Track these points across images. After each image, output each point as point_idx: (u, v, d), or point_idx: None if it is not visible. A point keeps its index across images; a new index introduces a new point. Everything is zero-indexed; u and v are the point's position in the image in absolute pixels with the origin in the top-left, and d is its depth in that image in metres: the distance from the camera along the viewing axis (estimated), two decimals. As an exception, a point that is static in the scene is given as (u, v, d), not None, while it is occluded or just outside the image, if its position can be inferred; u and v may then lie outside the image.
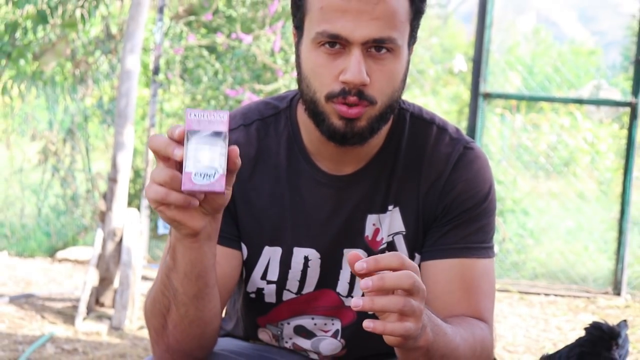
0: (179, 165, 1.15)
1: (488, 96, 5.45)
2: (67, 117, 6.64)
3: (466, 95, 8.03)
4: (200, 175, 1.13)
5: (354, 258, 1.16)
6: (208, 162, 1.13)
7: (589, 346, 1.89)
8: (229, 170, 1.15)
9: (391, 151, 1.48)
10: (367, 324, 1.15)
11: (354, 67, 1.32)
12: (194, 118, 1.14)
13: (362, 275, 1.15)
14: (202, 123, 1.14)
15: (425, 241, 1.47)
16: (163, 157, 1.15)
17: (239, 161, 1.16)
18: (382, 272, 1.15)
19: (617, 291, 5.61)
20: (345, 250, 1.48)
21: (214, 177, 1.14)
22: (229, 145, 1.15)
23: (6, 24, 6.43)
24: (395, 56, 1.36)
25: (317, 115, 1.39)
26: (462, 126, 6.74)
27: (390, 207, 1.47)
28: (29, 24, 6.36)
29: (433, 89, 9.85)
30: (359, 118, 1.37)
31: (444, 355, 1.28)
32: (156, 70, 5.99)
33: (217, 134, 1.14)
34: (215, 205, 1.21)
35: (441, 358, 1.28)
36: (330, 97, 1.36)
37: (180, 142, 1.14)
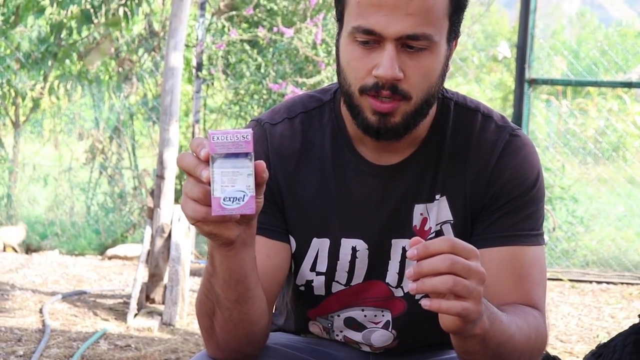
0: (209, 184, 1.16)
1: (533, 82, 5.39)
2: (112, 115, 6.73)
3: (511, 82, 7.94)
4: (230, 199, 1.13)
5: (415, 242, 1.18)
6: (236, 186, 1.13)
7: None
8: (257, 184, 1.16)
9: (437, 140, 1.48)
10: (425, 302, 1.17)
11: (386, 63, 1.33)
12: (218, 141, 1.13)
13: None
14: (226, 146, 1.13)
15: (473, 230, 1.47)
16: (193, 175, 1.17)
17: (266, 174, 1.17)
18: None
19: (671, 277, 5.51)
20: (394, 241, 1.48)
21: (243, 200, 1.14)
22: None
23: (51, 24, 6.53)
24: (431, 52, 1.35)
25: (353, 109, 1.40)
26: (508, 113, 6.67)
27: (437, 196, 1.47)
28: (73, 23, 6.45)
29: (477, 76, 9.76)
30: (393, 113, 1.37)
31: (500, 343, 1.28)
32: (199, 67, 6.03)
33: (242, 154, 1.13)
34: (249, 216, 1.22)
35: (497, 346, 1.28)
36: (364, 91, 1.37)
37: (207, 162, 1.14)
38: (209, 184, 1.14)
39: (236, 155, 1.13)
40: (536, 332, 1.38)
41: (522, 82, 5.33)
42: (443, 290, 1.16)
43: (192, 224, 1.20)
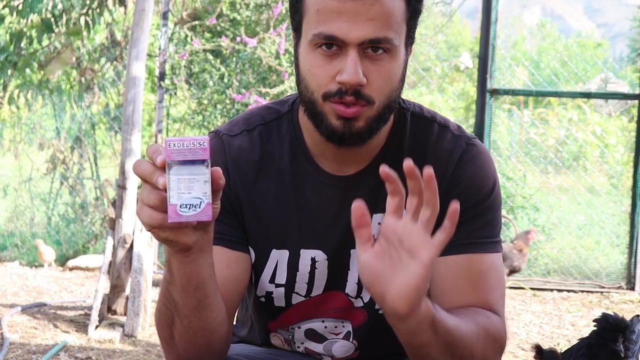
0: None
1: (495, 92, 5.44)
2: (74, 125, 6.67)
3: (473, 92, 8.01)
4: (186, 206, 1.13)
5: (383, 170, 1.18)
6: (192, 193, 1.13)
7: (595, 338, 1.89)
8: (214, 191, 1.16)
9: (393, 150, 1.49)
10: (383, 168, 1.18)
11: (350, 68, 1.33)
12: (174, 148, 1.13)
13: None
14: (183, 152, 1.13)
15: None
16: (149, 182, 1.16)
17: (222, 181, 1.17)
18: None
19: (630, 285, 5.59)
20: (353, 251, 1.48)
21: (199, 207, 1.14)
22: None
23: (11, 33, 6.46)
24: (392, 56, 1.36)
25: (315, 116, 1.40)
26: (470, 123, 6.72)
27: (395, 207, 1.47)
28: (33, 33, 6.39)
29: (440, 86, 9.84)
30: (357, 118, 1.37)
31: (449, 330, 1.27)
32: (162, 76, 6.01)
33: (199, 161, 1.13)
34: (205, 223, 1.21)
35: (446, 333, 1.26)
36: (327, 97, 1.37)
37: (163, 169, 1.14)
38: (165, 191, 1.14)
39: (192, 162, 1.13)
40: (486, 330, 1.37)
41: (484, 92, 5.38)
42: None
43: (149, 230, 1.19)
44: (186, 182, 1.13)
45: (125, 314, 4.12)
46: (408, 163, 1.17)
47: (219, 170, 1.16)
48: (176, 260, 1.26)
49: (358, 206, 1.20)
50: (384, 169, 1.18)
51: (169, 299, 1.32)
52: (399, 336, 1.28)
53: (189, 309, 1.31)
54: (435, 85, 9.50)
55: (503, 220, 4.65)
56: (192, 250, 1.24)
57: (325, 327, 1.55)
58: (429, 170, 1.17)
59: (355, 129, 1.38)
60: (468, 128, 6.57)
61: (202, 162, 1.13)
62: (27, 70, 6.65)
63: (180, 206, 1.13)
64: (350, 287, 1.51)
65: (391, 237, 1.20)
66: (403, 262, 1.19)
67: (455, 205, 1.17)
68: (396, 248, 1.19)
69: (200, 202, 1.14)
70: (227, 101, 5.91)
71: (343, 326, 1.55)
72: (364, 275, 1.21)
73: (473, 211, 1.46)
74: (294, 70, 1.44)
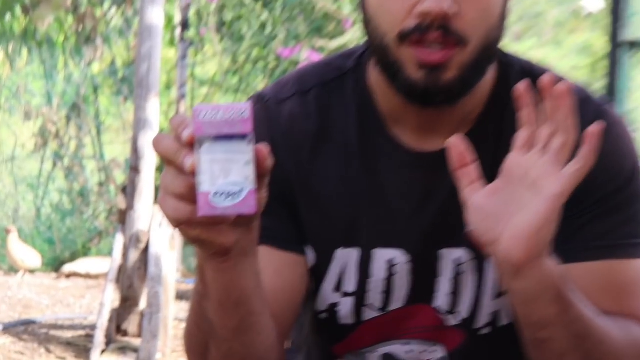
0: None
1: (633, 45, 5.38)
2: (70, 89, 6.76)
3: (602, 45, 7.90)
4: (222, 195, 1.12)
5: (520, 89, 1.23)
6: (230, 177, 1.12)
7: None
8: (259, 176, 1.14)
9: (496, 117, 1.48)
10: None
11: None
12: (206, 119, 1.12)
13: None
14: (217, 125, 1.12)
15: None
16: (174, 164, 1.15)
17: (270, 161, 1.16)
18: None
19: None
20: (442, 252, 1.49)
21: (240, 195, 1.12)
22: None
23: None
24: None
25: (389, 67, 1.39)
26: (598, 86, 6.66)
27: (498, 190, 1.47)
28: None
29: (555, 37, 9.74)
30: (446, 65, 1.36)
31: (580, 318, 1.29)
32: (185, 25, 6.05)
33: (238, 136, 1.13)
34: (248, 217, 1.19)
35: (577, 320, 1.29)
36: (404, 37, 1.36)
37: (191, 146, 1.12)
38: (195, 176, 1.13)
39: (230, 138, 1.12)
40: (638, 342, 1.39)
41: (617, 44, 5.32)
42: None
43: (175, 228, 1.19)
44: (222, 163, 1.12)
45: (139, 336, 4.17)
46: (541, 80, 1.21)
47: (265, 148, 1.15)
48: (211, 268, 1.25)
49: (456, 142, 1.24)
50: (522, 87, 1.23)
51: (201, 318, 1.33)
52: (514, 307, 1.29)
53: (229, 332, 1.32)
54: (550, 37, 9.41)
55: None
56: (231, 254, 1.23)
57: (410, 351, 1.55)
58: (563, 86, 1.19)
59: (444, 80, 1.37)
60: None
61: (243, 137, 1.13)
62: (7, 16, 6.74)
63: (215, 195, 1.12)
64: (441, 299, 1.51)
65: (514, 172, 1.24)
66: (525, 199, 1.22)
67: (596, 127, 1.20)
68: (518, 184, 1.23)
69: (241, 190, 1.13)
70: (271, 57, 5.95)
71: (434, 351, 1.55)
72: (476, 221, 1.25)
73: (607, 203, 1.45)
74: (359, 9, 1.44)
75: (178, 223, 1.17)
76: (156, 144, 1.16)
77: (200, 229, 1.18)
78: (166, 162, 1.16)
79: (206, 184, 1.12)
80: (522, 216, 1.22)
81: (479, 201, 1.25)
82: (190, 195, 1.14)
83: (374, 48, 1.42)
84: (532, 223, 1.22)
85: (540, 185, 1.22)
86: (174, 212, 1.16)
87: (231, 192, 1.12)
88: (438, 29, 1.34)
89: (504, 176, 1.25)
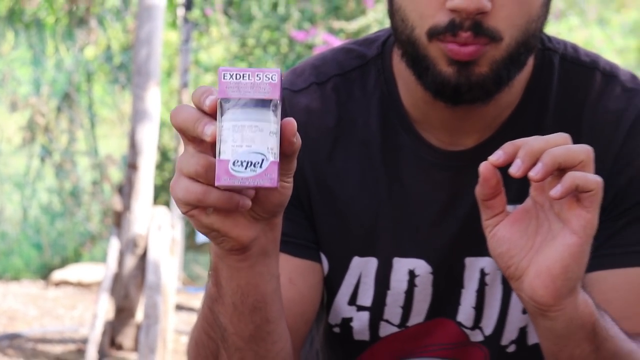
0: (215, 149, 1.13)
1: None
2: (61, 76, 6.77)
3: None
4: (242, 164, 1.12)
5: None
6: (253, 146, 1.12)
7: None
8: (284, 155, 1.14)
9: (532, 112, 1.49)
10: (555, 190, 1.18)
11: None
12: (232, 81, 1.13)
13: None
14: (243, 88, 1.13)
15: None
16: (193, 138, 1.15)
17: (297, 140, 1.15)
18: None
19: None
20: (468, 260, 1.49)
21: (261, 165, 1.12)
22: (282, 118, 1.13)
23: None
24: None
25: (417, 63, 1.40)
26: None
27: (532, 194, 1.48)
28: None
29: (600, 16, 9.72)
30: (477, 61, 1.37)
31: (616, 351, 1.30)
32: (189, 4, 6.07)
33: (264, 102, 1.13)
34: (270, 206, 1.20)
35: (614, 355, 1.30)
36: (434, 34, 1.37)
37: (213, 115, 1.13)
38: (214, 148, 1.13)
39: (255, 104, 1.13)
40: None
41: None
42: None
43: (185, 213, 1.18)
44: (245, 130, 1.12)
45: (135, 349, 4.19)
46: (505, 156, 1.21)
47: (293, 122, 1.14)
48: (227, 267, 1.25)
49: (487, 171, 1.22)
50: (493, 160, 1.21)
51: (212, 323, 1.33)
52: (540, 340, 1.30)
53: (243, 339, 1.32)
54: (594, 15, 9.40)
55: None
56: (249, 253, 1.23)
57: (431, 370, 1.57)
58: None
59: (475, 77, 1.37)
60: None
61: (269, 103, 1.13)
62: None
63: (234, 163, 1.12)
64: (465, 314, 1.52)
65: (542, 196, 1.23)
66: (554, 229, 1.22)
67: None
68: (547, 209, 1.23)
69: (263, 160, 1.12)
70: (283, 41, 5.96)
71: (456, 369, 1.57)
72: (499, 254, 1.24)
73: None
74: (385, -3, 1.44)
75: (188, 207, 1.16)
76: (175, 114, 1.15)
77: (214, 217, 1.17)
78: (184, 137, 1.15)
79: (227, 152, 1.12)
80: (549, 251, 1.21)
81: (504, 232, 1.24)
82: (205, 174, 1.13)
83: (400, 40, 1.42)
84: (560, 259, 1.21)
85: (564, 216, 1.21)
86: (185, 194, 1.15)
87: (253, 161, 1.12)
88: (469, 28, 1.35)
89: (530, 199, 1.24)
